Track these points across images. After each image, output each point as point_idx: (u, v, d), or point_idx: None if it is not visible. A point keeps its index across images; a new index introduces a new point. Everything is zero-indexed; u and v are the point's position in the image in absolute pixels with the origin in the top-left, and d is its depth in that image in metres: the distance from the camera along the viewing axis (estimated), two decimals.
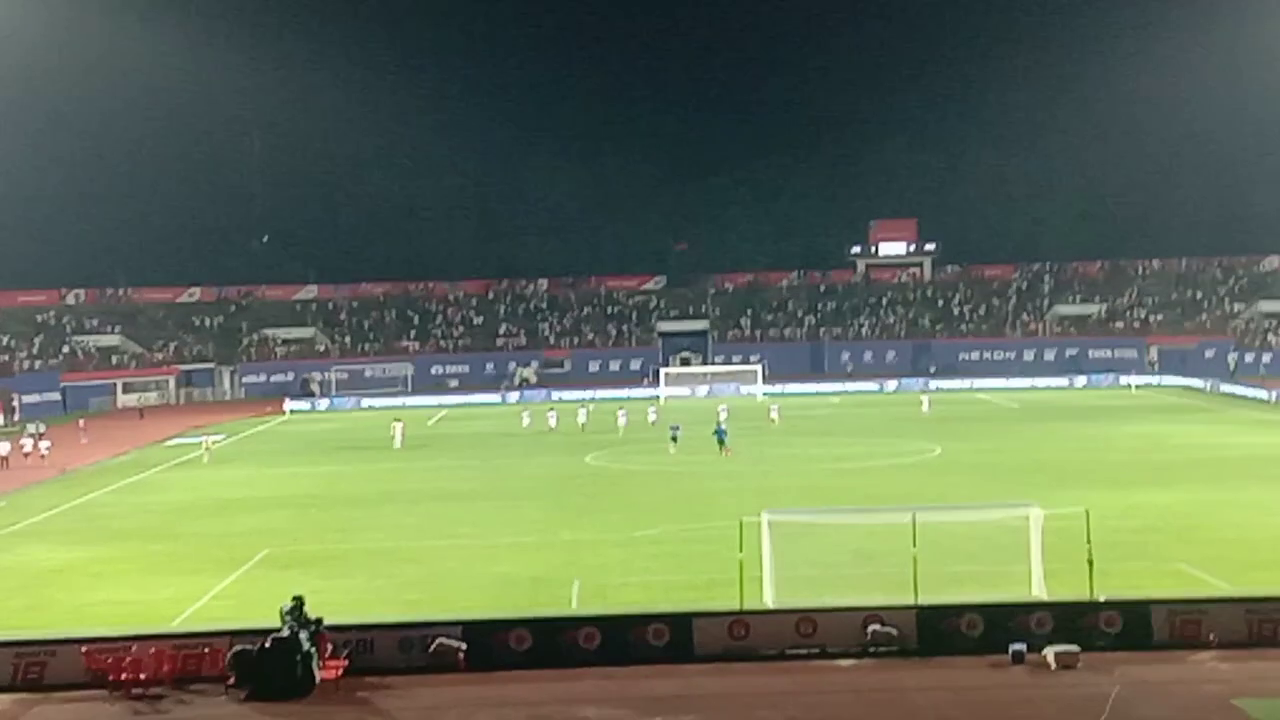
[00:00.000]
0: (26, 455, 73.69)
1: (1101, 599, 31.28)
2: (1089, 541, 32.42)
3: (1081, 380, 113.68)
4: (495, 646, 30.02)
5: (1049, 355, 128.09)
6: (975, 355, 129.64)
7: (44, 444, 74.95)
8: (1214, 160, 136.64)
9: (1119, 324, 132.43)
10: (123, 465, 72.42)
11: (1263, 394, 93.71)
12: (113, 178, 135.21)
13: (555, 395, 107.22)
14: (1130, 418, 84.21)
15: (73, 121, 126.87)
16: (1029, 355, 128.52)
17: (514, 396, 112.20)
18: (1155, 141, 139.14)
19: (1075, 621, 30.10)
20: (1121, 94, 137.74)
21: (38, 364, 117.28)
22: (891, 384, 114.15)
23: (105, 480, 65.50)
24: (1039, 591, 32.77)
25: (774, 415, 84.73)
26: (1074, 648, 28.91)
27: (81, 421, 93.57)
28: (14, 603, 38.13)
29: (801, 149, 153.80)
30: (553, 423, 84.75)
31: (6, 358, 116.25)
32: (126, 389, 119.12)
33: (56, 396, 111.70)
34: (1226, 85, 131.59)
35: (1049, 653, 28.85)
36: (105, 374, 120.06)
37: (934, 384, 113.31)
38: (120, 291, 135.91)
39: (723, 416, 77.49)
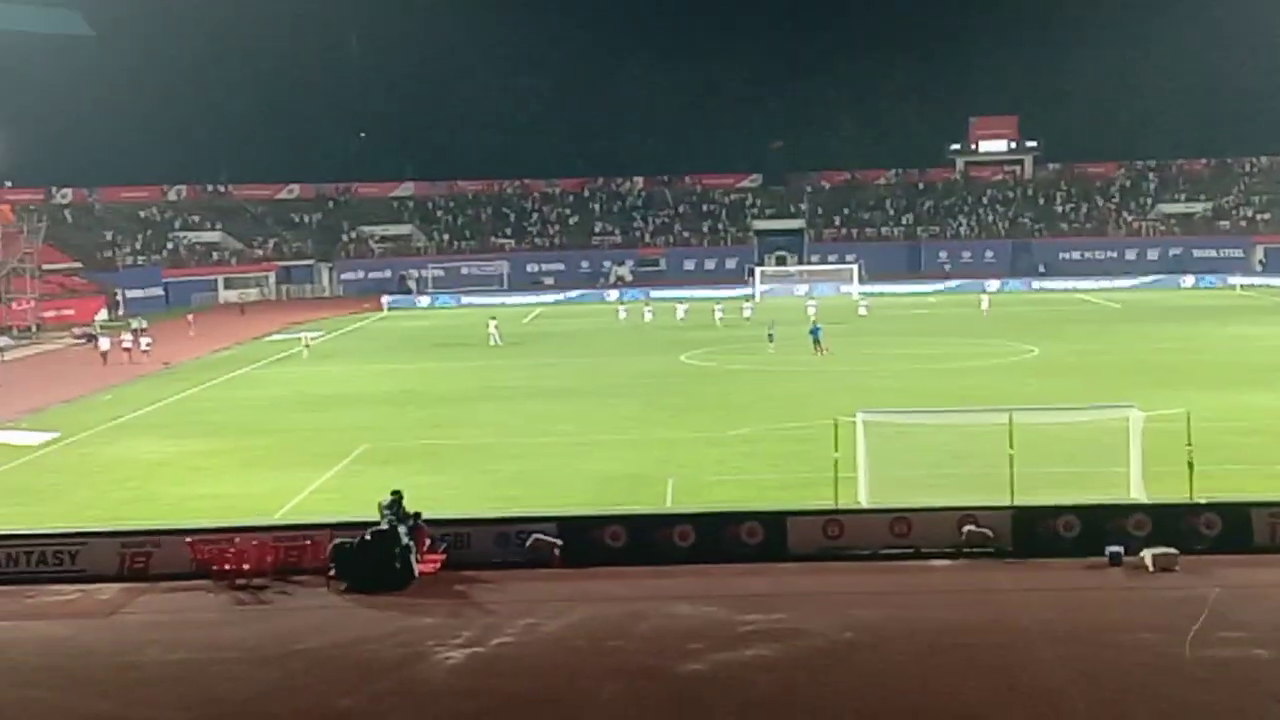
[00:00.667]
0: (127, 351, 74.00)
1: (1201, 501, 30.92)
2: (1189, 443, 31.95)
3: (1186, 280, 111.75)
4: (590, 543, 30.20)
5: (1152, 255, 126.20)
6: (1076, 255, 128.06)
7: (145, 340, 75.47)
8: None
9: (1224, 223, 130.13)
10: (224, 360, 73.46)
11: None
12: (214, 75, 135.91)
13: (651, 293, 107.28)
14: (1234, 318, 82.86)
15: (176, 20, 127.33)
16: (1131, 255, 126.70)
17: (610, 294, 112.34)
18: (1263, 36, 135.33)
19: (1174, 524, 29.74)
20: None
21: (140, 260, 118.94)
22: (993, 284, 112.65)
23: (207, 375, 66.51)
24: (1137, 493, 32.43)
25: (861, 310, 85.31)
26: (1172, 550, 28.60)
27: (190, 316, 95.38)
28: (119, 494, 38.93)
29: (900, 46, 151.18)
30: (649, 317, 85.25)
31: (110, 254, 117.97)
32: (228, 285, 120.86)
33: (159, 292, 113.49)
34: None
35: (1146, 555, 28.56)
36: (207, 270, 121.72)
37: (1035, 283, 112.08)
38: (221, 188, 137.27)
39: (811, 313, 77.50)
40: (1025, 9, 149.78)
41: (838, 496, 32.05)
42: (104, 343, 74.40)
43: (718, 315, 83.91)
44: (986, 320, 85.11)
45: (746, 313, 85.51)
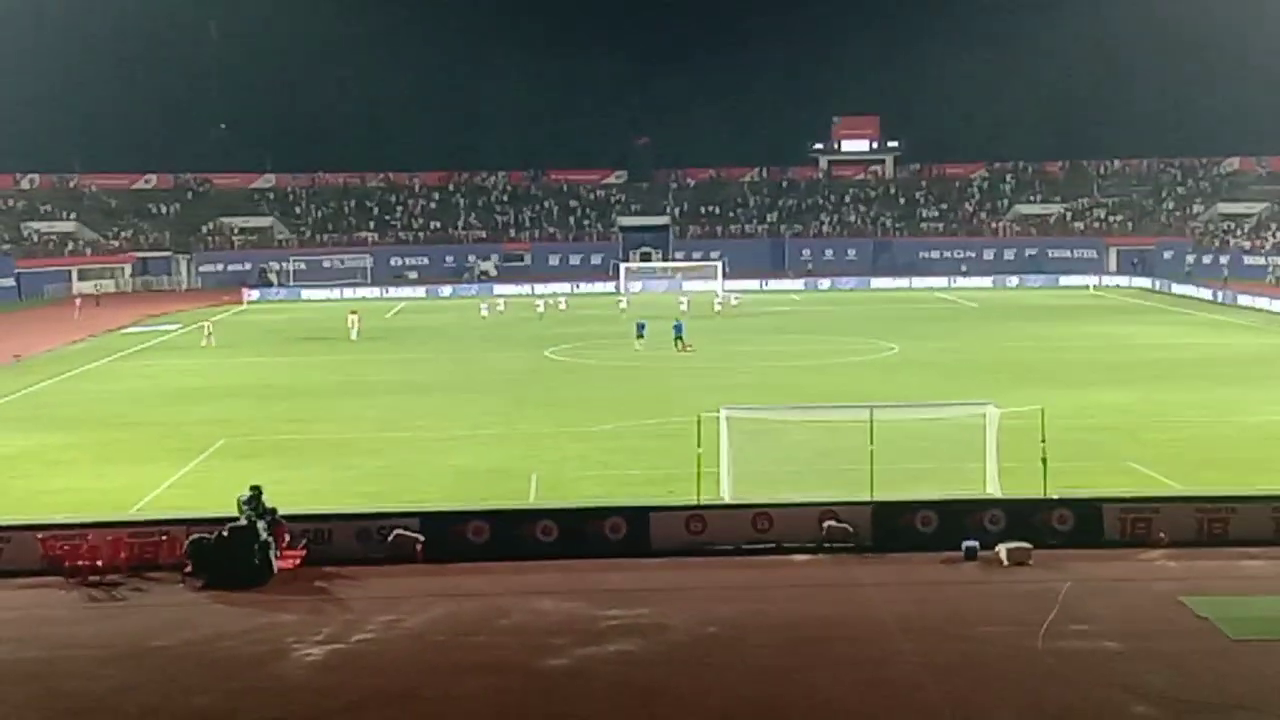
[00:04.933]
0: None
1: (1054, 497, 31.60)
2: (1043, 440, 32.69)
3: (1040, 280, 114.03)
4: (453, 538, 30.10)
5: (1009, 255, 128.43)
6: (935, 254, 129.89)
7: None
8: (1175, 60, 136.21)
9: (1079, 224, 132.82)
10: (78, 353, 71.93)
11: (1213, 294, 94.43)
12: (69, 63, 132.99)
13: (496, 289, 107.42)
14: (1088, 318, 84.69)
15: (33, 5, 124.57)
16: (989, 254, 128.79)
17: (472, 289, 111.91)
18: (1117, 41, 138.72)
19: (1028, 519, 30.38)
20: None
21: None
22: (842, 281, 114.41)
23: (61, 368, 65.09)
24: (993, 489, 33.09)
25: (717, 305, 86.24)
26: (1026, 545, 29.18)
27: (78, 301, 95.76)
28: None
29: (765, 44, 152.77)
30: (501, 308, 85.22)
31: None
32: (82, 276, 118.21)
33: (11, 283, 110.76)
34: None
35: (1001, 549, 29.12)
36: (61, 261, 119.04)
37: (891, 282, 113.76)
38: (76, 178, 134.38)
39: (683, 309, 78.11)
40: (889, 9, 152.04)
41: (700, 492, 32.25)
42: None
43: (539, 308, 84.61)
44: (848, 317, 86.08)
45: (623, 304, 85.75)
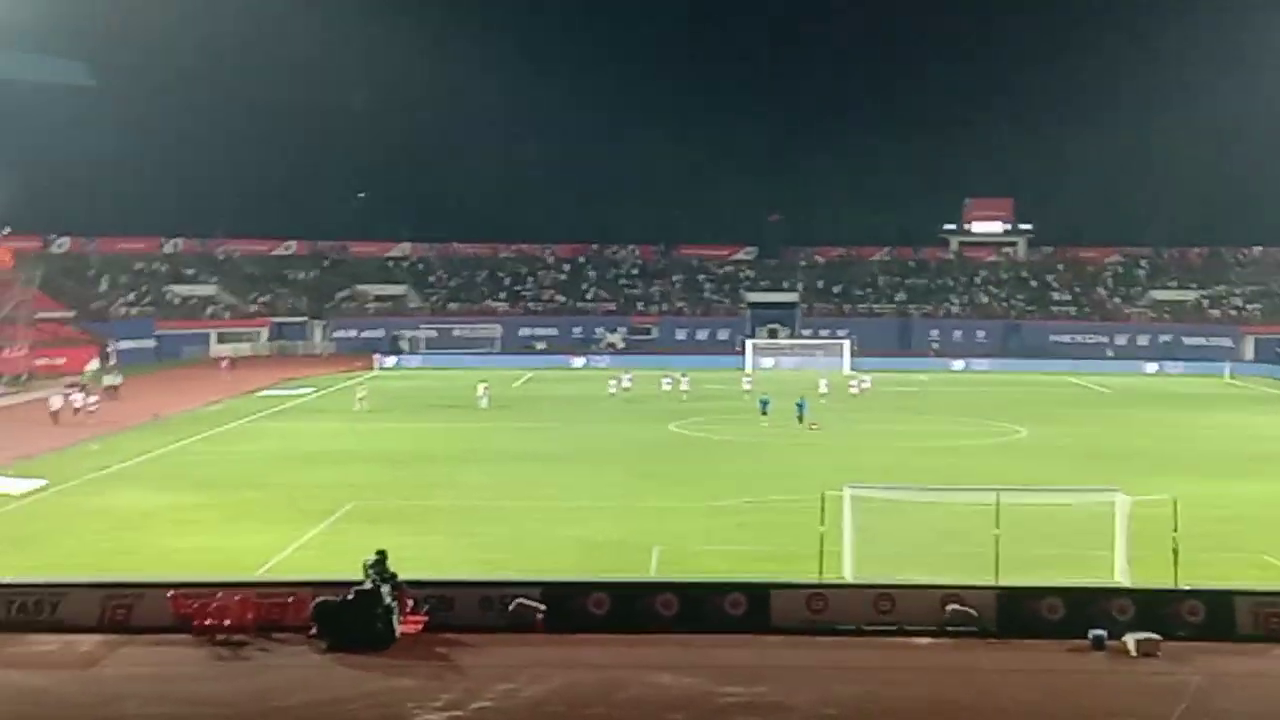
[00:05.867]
0: (76, 411, 68.94)
1: (1185, 588, 30.93)
2: (1175, 529, 32.00)
3: (1175, 367, 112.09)
4: (573, 609, 30.12)
5: (1142, 340, 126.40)
6: (1066, 338, 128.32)
7: (89, 398, 71.16)
8: None
9: (1215, 311, 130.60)
10: (214, 414, 73.35)
11: None
12: (215, 129, 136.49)
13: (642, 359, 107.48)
14: (1222, 406, 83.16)
15: (178, 72, 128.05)
16: (1121, 340, 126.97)
17: (601, 361, 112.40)
18: (1259, 126, 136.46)
19: (1158, 610, 29.74)
20: (1226, 78, 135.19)
21: (133, 311, 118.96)
22: (975, 363, 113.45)
23: (196, 428, 66.40)
24: (1122, 578, 32.47)
25: (853, 389, 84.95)
26: (1155, 636, 28.59)
27: (224, 362, 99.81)
28: (103, 545, 38.79)
29: (899, 124, 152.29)
30: (626, 384, 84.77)
31: (104, 304, 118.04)
32: (220, 339, 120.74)
33: (151, 344, 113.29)
34: None
35: (1130, 639, 28.55)
36: (200, 323, 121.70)
37: (1021, 363, 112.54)
38: (217, 242, 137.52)
39: (823, 389, 78.26)
40: (1023, 92, 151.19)
41: (822, 570, 32.03)
42: (55, 401, 69.36)
43: (664, 384, 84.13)
44: (978, 400, 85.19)
45: (746, 385, 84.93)
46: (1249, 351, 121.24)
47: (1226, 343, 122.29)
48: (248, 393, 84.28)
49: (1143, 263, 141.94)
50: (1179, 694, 25.47)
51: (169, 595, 29.67)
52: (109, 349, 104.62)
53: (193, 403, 77.65)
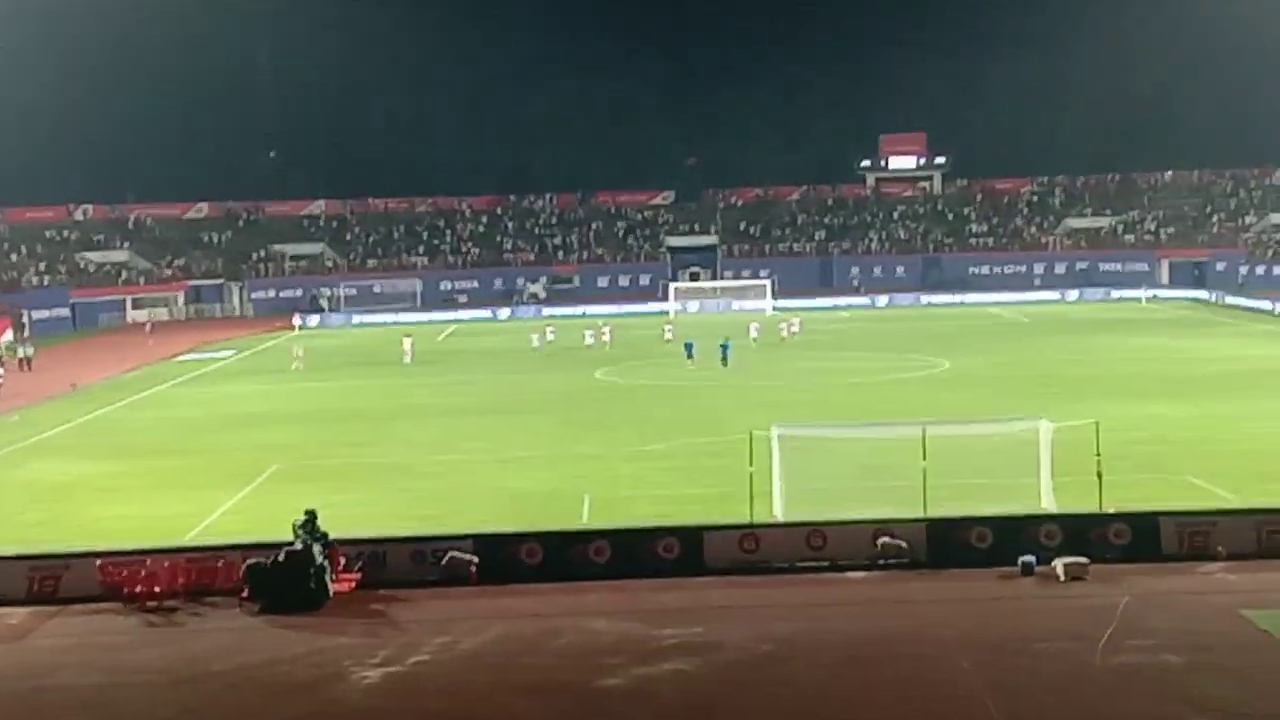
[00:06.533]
0: None
1: (1110, 511, 31.36)
2: (1098, 454, 32.36)
3: (1094, 294, 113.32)
4: (506, 560, 30.16)
5: (1059, 269, 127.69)
6: (985, 269, 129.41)
7: None
8: (1227, 72, 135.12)
9: (1130, 237, 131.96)
10: (133, 380, 72.51)
11: (1269, 305, 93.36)
12: (119, 93, 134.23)
13: (565, 310, 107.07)
14: (1140, 331, 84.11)
15: (80, 35, 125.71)
16: (1039, 269, 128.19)
17: (523, 311, 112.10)
18: (1167, 53, 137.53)
19: (1084, 534, 30.17)
20: (1135, 4, 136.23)
21: (46, 280, 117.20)
22: (891, 298, 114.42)
23: (116, 395, 65.63)
24: (1048, 504, 32.86)
25: (783, 332, 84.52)
26: (1083, 560, 28.99)
27: (149, 326, 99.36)
28: (27, 517, 38.36)
29: (810, 62, 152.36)
30: (551, 337, 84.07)
31: (15, 274, 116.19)
32: (136, 305, 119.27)
33: (66, 313, 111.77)
34: None
35: (1058, 564, 28.93)
36: (115, 290, 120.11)
37: (942, 298, 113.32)
38: (128, 207, 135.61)
39: (754, 332, 78.58)
40: (935, 25, 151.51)
41: (753, 511, 32.17)
42: None
43: (587, 337, 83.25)
44: (898, 334, 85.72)
45: (668, 334, 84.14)
46: (1164, 275, 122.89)
47: (1143, 267, 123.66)
48: (167, 358, 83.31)
49: (1057, 192, 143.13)
50: (1108, 615, 25.84)
51: (97, 564, 29.44)
52: (23, 319, 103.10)
53: (111, 370, 76.66)
